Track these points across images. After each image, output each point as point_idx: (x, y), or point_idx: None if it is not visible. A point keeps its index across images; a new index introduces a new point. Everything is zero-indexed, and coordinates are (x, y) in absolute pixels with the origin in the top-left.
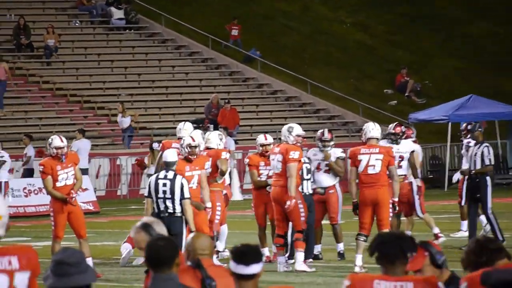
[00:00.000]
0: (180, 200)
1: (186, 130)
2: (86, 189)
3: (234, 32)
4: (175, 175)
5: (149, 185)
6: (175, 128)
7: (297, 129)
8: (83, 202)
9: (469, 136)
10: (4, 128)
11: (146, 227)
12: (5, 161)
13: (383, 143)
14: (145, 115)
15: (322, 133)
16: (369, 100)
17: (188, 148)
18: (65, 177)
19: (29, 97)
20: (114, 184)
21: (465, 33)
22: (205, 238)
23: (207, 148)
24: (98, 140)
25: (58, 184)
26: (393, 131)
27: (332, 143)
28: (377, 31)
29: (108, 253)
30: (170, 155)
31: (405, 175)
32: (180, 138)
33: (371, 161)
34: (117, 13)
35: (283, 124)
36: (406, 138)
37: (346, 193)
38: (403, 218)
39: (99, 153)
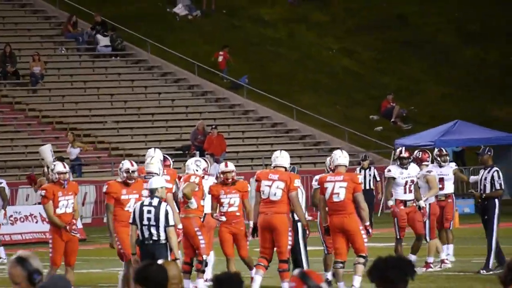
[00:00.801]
0: (165, 227)
1: (155, 157)
2: None
3: (220, 58)
4: (159, 202)
5: (134, 212)
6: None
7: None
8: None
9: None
10: None
11: (22, 261)
12: (4, 188)
13: (393, 168)
14: (131, 142)
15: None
16: (356, 126)
17: (125, 172)
18: (66, 204)
19: (15, 124)
20: (100, 211)
21: (452, 59)
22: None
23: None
24: (84, 167)
25: (58, 211)
26: (404, 155)
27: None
28: (364, 57)
29: (95, 280)
30: (155, 182)
31: (414, 199)
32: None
33: (336, 189)
34: (103, 40)
35: (269, 151)
36: (421, 162)
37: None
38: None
39: (85, 181)
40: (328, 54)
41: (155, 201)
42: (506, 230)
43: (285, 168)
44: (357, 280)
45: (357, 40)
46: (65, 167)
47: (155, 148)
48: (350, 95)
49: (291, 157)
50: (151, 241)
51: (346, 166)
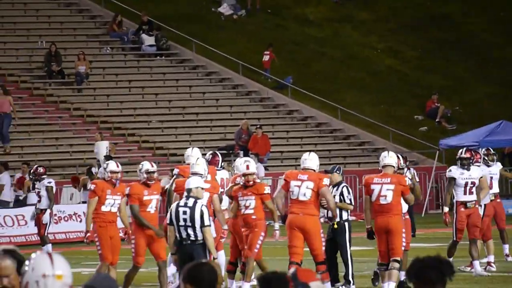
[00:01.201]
0: (201, 227)
1: (193, 156)
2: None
3: (266, 57)
4: (195, 203)
5: (170, 212)
6: (206, 154)
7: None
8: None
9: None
10: (35, 155)
11: (10, 252)
12: (52, 187)
13: (454, 169)
14: (175, 142)
15: (461, 152)
16: (400, 126)
17: (146, 173)
18: (112, 203)
19: (60, 124)
20: None
21: (496, 58)
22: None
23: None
24: (129, 166)
25: (103, 208)
26: (464, 156)
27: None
28: (408, 56)
29: (138, 281)
30: (192, 182)
31: (475, 200)
32: (188, 164)
33: (383, 191)
34: (148, 40)
35: (313, 150)
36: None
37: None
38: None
39: (129, 180)
40: (372, 53)
41: (190, 202)
42: None
43: (314, 170)
44: (392, 287)
45: (401, 39)
46: (118, 166)
47: (193, 147)
48: (394, 94)
49: (335, 157)
50: (189, 241)
51: (393, 166)
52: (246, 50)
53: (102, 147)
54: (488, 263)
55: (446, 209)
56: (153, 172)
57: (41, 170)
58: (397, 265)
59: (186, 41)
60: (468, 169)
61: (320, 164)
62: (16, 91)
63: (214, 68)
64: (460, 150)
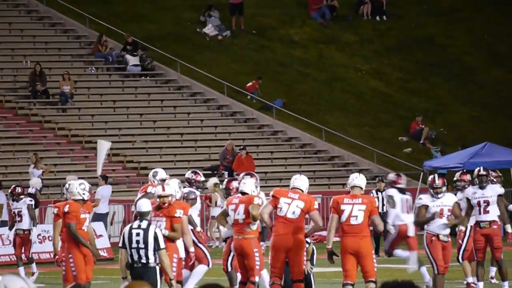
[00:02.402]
0: (155, 250)
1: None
2: (100, 236)
3: (249, 84)
4: (148, 225)
5: (123, 235)
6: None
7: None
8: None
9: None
10: (20, 175)
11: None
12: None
13: (469, 188)
14: (160, 162)
15: (433, 180)
16: (384, 147)
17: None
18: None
19: (45, 143)
20: None
21: (480, 80)
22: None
23: (242, 193)
24: (113, 186)
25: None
26: (482, 173)
27: (444, 189)
28: (392, 78)
29: None
30: (144, 204)
31: (493, 220)
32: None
33: (354, 212)
34: (133, 60)
35: (298, 171)
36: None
37: None
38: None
39: (113, 200)
40: (356, 74)
41: (144, 224)
42: None
43: (302, 191)
44: None
45: (385, 61)
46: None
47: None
48: (378, 116)
49: (320, 177)
50: (140, 264)
51: (361, 188)
52: (231, 71)
53: (103, 148)
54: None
55: (462, 228)
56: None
57: (19, 190)
58: (373, 285)
59: (171, 61)
60: (482, 188)
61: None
62: (1, 110)
63: (199, 89)
64: (477, 169)
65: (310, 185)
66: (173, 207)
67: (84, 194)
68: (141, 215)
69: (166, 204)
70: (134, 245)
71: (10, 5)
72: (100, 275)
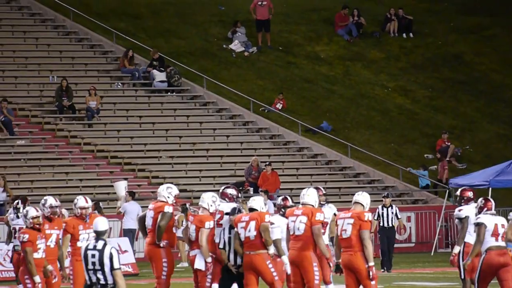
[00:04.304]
0: (111, 271)
1: (159, 192)
2: (125, 251)
3: (279, 105)
4: (104, 245)
5: (82, 255)
6: (216, 190)
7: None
8: (122, 264)
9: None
10: (45, 190)
11: None
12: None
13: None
14: (185, 177)
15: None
16: (410, 164)
17: (49, 208)
18: (87, 237)
19: (70, 158)
20: None
21: (507, 98)
22: None
23: (250, 210)
24: (138, 202)
25: (78, 244)
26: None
27: None
28: (418, 95)
29: None
30: (101, 223)
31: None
32: (158, 201)
33: (344, 226)
34: (159, 76)
35: (323, 188)
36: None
37: None
38: None
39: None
40: (382, 91)
41: (99, 244)
42: None
43: (312, 205)
44: None
45: (412, 78)
46: (87, 201)
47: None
48: (404, 133)
49: (345, 194)
50: (99, 286)
51: (362, 205)
52: (257, 87)
53: (121, 187)
54: None
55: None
56: (87, 208)
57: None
58: None
59: (197, 77)
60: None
61: (330, 202)
62: (27, 125)
63: (224, 105)
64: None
65: (335, 201)
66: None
67: (44, 210)
68: (97, 235)
69: (87, 216)
70: (90, 266)
71: (38, 21)
72: None
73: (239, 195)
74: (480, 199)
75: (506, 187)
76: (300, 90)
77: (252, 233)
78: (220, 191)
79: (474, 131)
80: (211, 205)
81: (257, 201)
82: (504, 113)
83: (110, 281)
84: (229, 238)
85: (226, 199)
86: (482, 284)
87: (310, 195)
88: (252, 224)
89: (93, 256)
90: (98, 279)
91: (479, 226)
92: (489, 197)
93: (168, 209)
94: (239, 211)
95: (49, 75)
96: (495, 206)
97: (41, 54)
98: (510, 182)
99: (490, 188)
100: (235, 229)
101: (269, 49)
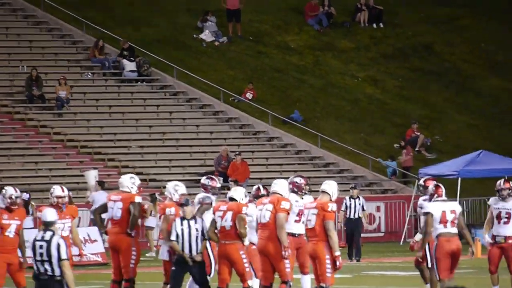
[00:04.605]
0: (58, 261)
1: (121, 183)
2: (95, 240)
3: (249, 95)
4: (52, 236)
5: (31, 246)
6: (185, 180)
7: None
8: (92, 253)
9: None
10: (15, 179)
11: None
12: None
13: (493, 200)
14: (155, 167)
15: (499, 184)
16: (379, 154)
17: (9, 198)
18: (62, 227)
19: (40, 148)
20: None
21: (476, 88)
22: None
23: (230, 199)
24: (108, 191)
25: None
26: (502, 187)
27: (507, 192)
28: (388, 85)
29: None
30: (49, 214)
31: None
32: (121, 191)
33: (309, 216)
34: (129, 65)
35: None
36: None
37: None
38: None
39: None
40: (352, 81)
41: (47, 235)
42: None
43: (281, 195)
44: None
45: (382, 68)
46: (63, 190)
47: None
48: (374, 123)
49: (315, 184)
50: (46, 277)
51: (329, 194)
52: (227, 77)
53: (91, 176)
54: None
55: (487, 238)
56: (63, 197)
57: None
58: None
59: (167, 67)
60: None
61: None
62: None
63: (195, 94)
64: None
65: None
66: (72, 208)
67: (4, 200)
68: (45, 225)
69: (62, 205)
70: (38, 257)
71: (8, 10)
72: (93, 279)
73: (218, 185)
74: (430, 186)
75: (475, 177)
76: (270, 80)
77: (228, 223)
78: (201, 181)
79: (444, 121)
80: (174, 194)
81: (238, 192)
82: (474, 104)
83: (57, 272)
84: (182, 230)
85: (203, 189)
86: (443, 272)
87: (279, 184)
88: (229, 214)
89: (41, 247)
90: (45, 269)
91: (426, 215)
92: (439, 184)
93: (139, 199)
94: (189, 203)
95: (19, 65)
96: (464, 196)
97: (11, 44)
98: (479, 172)
99: (460, 178)
100: (213, 216)
101: (240, 39)
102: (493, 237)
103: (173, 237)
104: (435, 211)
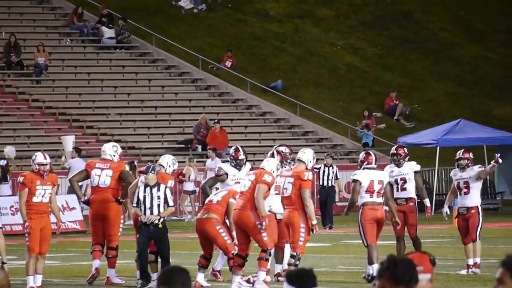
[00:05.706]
0: None
1: (104, 151)
2: (73, 208)
3: (228, 63)
4: None
5: None
6: (164, 148)
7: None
8: (70, 221)
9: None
10: None
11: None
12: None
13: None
14: (134, 135)
15: (459, 153)
16: (358, 123)
17: (39, 165)
18: (42, 193)
19: (18, 115)
20: None
21: (455, 57)
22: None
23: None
24: (87, 159)
25: (34, 199)
26: (395, 152)
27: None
28: (368, 53)
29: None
30: None
31: (410, 197)
32: (103, 159)
33: (285, 184)
34: (108, 32)
35: (271, 146)
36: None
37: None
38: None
39: None
40: (331, 50)
41: None
42: (507, 230)
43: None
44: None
45: (361, 36)
46: (45, 158)
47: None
48: (353, 91)
49: (294, 153)
50: None
51: (304, 162)
52: (206, 45)
53: (69, 141)
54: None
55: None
56: (46, 164)
57: None
58: (291, 260)
59: (146, 34)
60: (399, 166)
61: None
62: None
63: (173, 62)
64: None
65: None
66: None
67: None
68: None
69: (45, 172)
70: None
71: None
72: (72, 247)
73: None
74: (362, 153)
75: (454, 145)
76: (249, 48)
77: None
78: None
79: (422, 89)
80: (170, 166)
81: (270, 163)
82: (452, 72)
83: None
84: (144, 196)
85: (278, 157)
86: (370, 237)
87: (268, 162)
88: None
89: None
90: None
91: (354, 183)
92: (370, 152)
93: (128, 167)
94: (153, 169)
95: None
96: (443, 165)
97: None
98: (458, 141)
99: (438, 147)
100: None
101: (219, 6)
102: (457, 209)
103: (134, 203)
104: (363, 180)
